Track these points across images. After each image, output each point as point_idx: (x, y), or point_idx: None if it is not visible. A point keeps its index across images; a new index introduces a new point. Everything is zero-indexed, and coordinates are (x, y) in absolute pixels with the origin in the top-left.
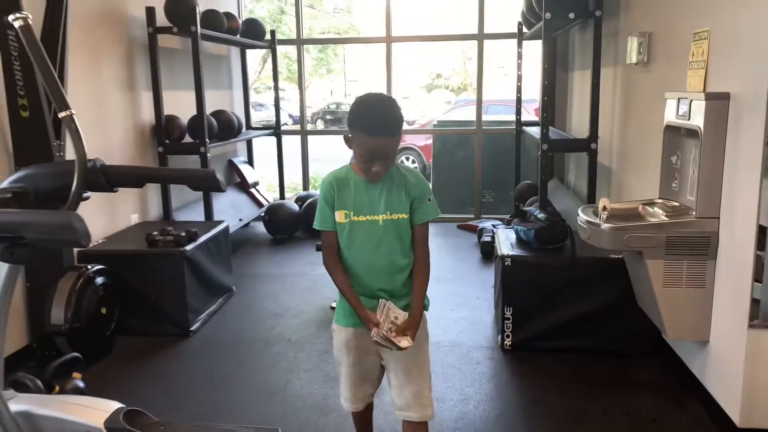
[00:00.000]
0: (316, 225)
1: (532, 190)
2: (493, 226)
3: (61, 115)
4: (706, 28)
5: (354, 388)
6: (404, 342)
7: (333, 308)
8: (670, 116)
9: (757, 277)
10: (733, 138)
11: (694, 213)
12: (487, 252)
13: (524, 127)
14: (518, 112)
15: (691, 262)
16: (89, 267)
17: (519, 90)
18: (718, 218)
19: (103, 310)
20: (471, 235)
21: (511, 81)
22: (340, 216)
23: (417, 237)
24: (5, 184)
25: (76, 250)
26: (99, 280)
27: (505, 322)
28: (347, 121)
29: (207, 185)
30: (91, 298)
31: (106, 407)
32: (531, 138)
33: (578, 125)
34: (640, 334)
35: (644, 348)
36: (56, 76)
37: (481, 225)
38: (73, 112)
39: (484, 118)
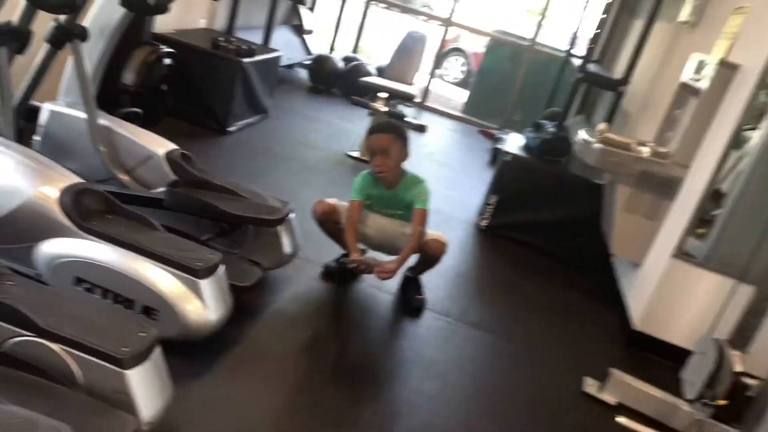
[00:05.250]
0: (353, 195)
1: (556, 117)
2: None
3: None
4: (749, 4)
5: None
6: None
7: (348, 156)
8: (686, 74)
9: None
10: (726, 106)
11: (672, 159)
12: (497, 158)
13: (572, 58)
14: (572, 42)
15: (653, 197)
16: (162, 47)
17: (581, 20)
18: (688, 167)
19: (164, 87)
20: (487, 142)
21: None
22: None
23: (415, 215)
24: None
25: (154, 30)
26: (167, 60)
27: (488, 206)
28: None
29: None
30: (157, 73)
31: (168, 144)
32: (574, 69)
33: (621, 71)
34: (593, 251)
35: (592, 263)
36: None
37: (499, 135)
38: None
39: (546, 41)
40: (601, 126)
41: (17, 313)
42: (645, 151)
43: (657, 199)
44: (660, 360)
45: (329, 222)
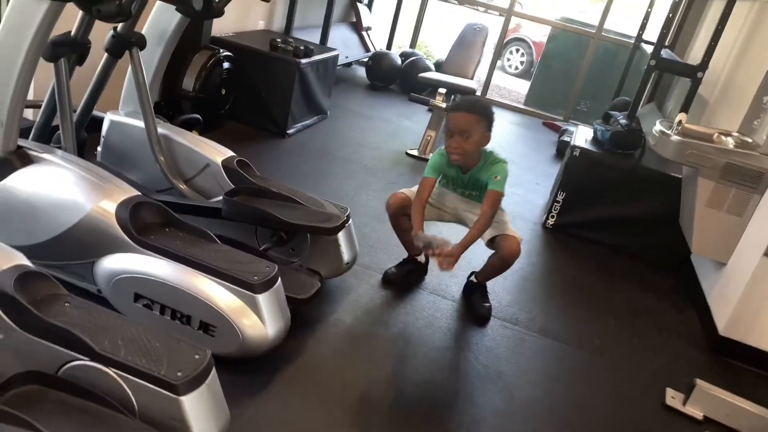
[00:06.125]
0: (425, 172)
1: (626, 107)
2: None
3: None
4: None
5: (412, 194)
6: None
7: (408, 154)
8: None
9: None
10: None
11: (761, 149)
12: (562, 151)
13: (643, 44)
14: (642, 27)
15: (739, 191)
16: (221, 50)
17: (651, 4)
18: None
19: (223, 91)
20: (553, 134)
21: None
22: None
23: (486, 196)
24: None
25: (212, 33)
26: (226, 64)
27: (555, 204)
28: None
29: None
30: (216, 78)
31: (225, 151)
32: (645, 56)
33: (696, 56)
34: (670, 249)
35: (669, 261)
36: None
37: (566, 127)
38: None
39: (614, 28)
40: (681, 116)
41: (74, 337)
42: (729, 141)
43: (744, 193)
44: (750, 368)
45: (404, 216)
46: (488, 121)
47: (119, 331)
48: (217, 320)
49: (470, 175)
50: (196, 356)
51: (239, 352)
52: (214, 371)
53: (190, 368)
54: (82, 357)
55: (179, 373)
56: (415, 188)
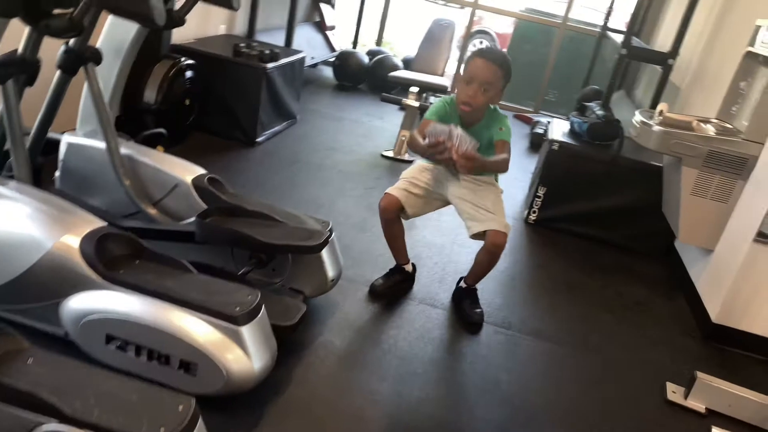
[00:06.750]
0: (426, 115)
1: (596, 95)
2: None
3: None
4: None
5: (403, 194)
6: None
7: (383, 156)
8: (757, 43)
9: None
10: None
11: (742, 135)
12: (536, 143)
13: (609, 32)
14: (607, 16)
15: (723, 178)
16: (182, 59)
17: None
18: (763, 144)
19: (187, 102)
20: (524, 126)
21: None
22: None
23: (496, 145)
24: None
25: (172, 42)
26: (188, 73)
27: (536, 199)
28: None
29: None
30: (180, 88)
31: (194, 169)
32: (612, 45)
33: (663, 42)
34: (654, 237)
35: (654, 250)
36: None
37: (537, 118)
38: None
39: (579, 17)
40: (662, 106)
41: (40, 400)
42: (710, 128)
43: (728, 179)
44: (746, 354)
45: (397, 222)
46: (508, 79)
47: (91, 386)
48: (199, 358)
49: (472, 131)
50: (180, 407)
51: (225, 390)
52: (200, 422)
53: (174, 422)
54: (51, 420)
55: (162, 430)
56: (401, 183)
